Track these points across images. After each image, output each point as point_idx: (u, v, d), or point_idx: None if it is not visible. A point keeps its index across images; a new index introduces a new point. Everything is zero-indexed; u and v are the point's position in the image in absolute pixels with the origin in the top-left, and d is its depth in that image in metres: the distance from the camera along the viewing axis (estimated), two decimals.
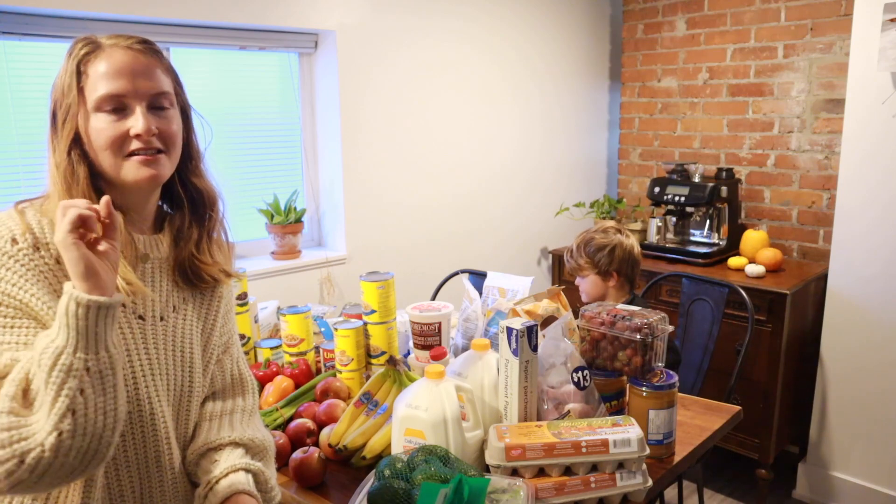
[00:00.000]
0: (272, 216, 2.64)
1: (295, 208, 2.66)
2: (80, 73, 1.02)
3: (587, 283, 2.16)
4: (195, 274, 1.15)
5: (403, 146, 2.89)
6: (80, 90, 1.02)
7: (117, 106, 1.02)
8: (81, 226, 0.90)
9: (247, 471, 1.14)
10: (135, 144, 1.03)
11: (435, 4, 2.89)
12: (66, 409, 0.85)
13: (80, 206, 0.90)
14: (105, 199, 0.93)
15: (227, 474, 1.12)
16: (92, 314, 0.89)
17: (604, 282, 2.13)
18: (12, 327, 0.95)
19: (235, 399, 1.24)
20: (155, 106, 1.05)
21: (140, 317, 1.09)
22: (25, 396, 0.88)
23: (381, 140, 2.81)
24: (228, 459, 1.13)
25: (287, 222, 2.63)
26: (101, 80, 1.01)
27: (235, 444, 1.17)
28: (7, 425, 0.84)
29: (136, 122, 1.02)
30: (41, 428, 0.85)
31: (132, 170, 1.03)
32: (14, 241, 0.98)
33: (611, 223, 2.21)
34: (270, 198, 2.65)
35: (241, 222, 2.68)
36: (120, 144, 1.03)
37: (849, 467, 2.69)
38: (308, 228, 2.83)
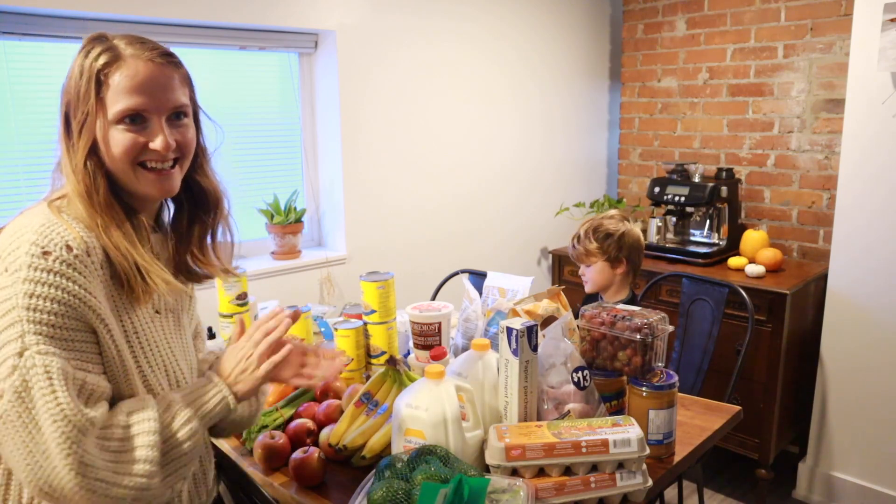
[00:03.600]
0: (272, 216, 2.64)
1: (295, 208, 2.66)
2: (99, 83, 1.02)
3: (594, 271, 2.11)
4: (194, 272, 1.20)
5: (403, 146, 2.89)
6: (100, 100, 1.02)
7: (138, 119, 1.04)
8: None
9: None
10: (152, 156, 1.06)
11: (435, 5, 2.89)
12: (180, 477, 1.06)
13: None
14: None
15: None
16: (226, 413, 1.10)
17: (612, 269, 2.10)
18: (76, 341, 0.98)
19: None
20: (173, 118, 1.08)
21: (157, 311, 1.14)
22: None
23: (381, 140, 2.81)
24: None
25: (287, 222, 2.63)
26: (123, 93, 1.02)
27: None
28: (147, 484, 1.00)
29: (156, 138, 1.05)
30: (162, 487, 1.03)
31: (147, 184, 1.07)
32: (69, 247, 0.98)
33: (615, 211, 2.18)
34: (270, 198, 2.65)
35: (241, 222, 2.66)
36: (136, 155, 1.05)
37: (849, 467, 2.69)
38: (308, 228, 2.83)
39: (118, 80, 1.02)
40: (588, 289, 2.16)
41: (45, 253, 0.96)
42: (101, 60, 1.02)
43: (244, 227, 2.69)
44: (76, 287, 0.97)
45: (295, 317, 1.18)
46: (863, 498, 2.65)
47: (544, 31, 3.36)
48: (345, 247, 2.77)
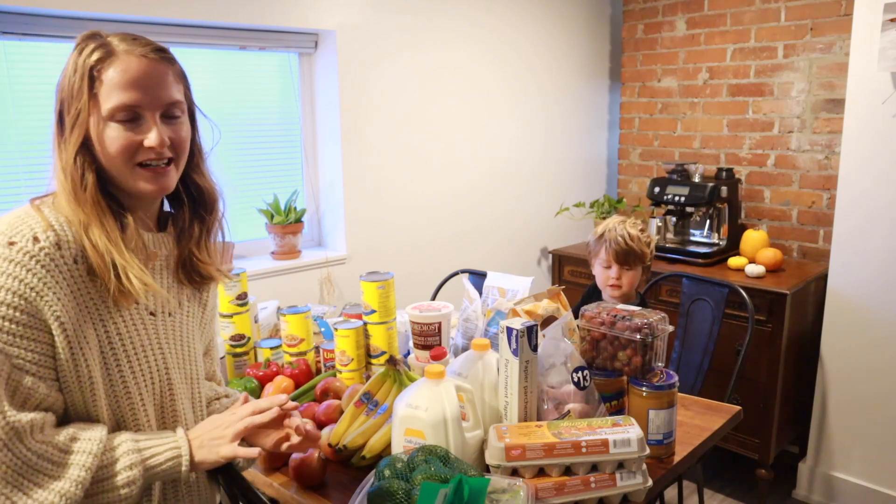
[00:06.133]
0: (272, 216, 2.64)
1: (295, 208, 2.66)
2: (92, 79, 1.01)
3: (633, 276, 2.08)
4: (195, 271, 1.18)
5: (403, 146, 2.89)
6: (93, 96, 1.01)
7: (131, 116, 1.02)
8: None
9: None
10: (146, 155, 1.04)
11: (435, 5, 2.89)
12: None
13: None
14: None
15: (232, 405, 1.27)
16: (174, 474, 1.06)
17: (643, 274, 2.12)
18: (23, 338, 0.95)
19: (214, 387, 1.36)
20: (167, 115, 1.06)
21: (151, 313, 1.12)
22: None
23: (381, 140, 2.81)
24: (230, 399, 1.33)
25: (287, 222, 2.63)
26: (117, 89, 1.01)
27: (227, 396, 1.35)
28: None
29: (151, 134, 1.03)
30: None
31: (142, 181, 1.06)
32: (36, 239, 0.96)
33: (631, 218, 2.17)
34: (270, 198, 2.65)
35: (241, 222, 2.68)
36: (132, 154, 1.03)
37: (849, 467, 2.69)
38: (308, 228, 2.83)
39: (111, 76, 1.00)
40: (620, 292, 2.09)
41: (10, 243, 0.95)
42: (94, 57, 1.00)
43: (244, 227, 2.69)
44: (35, 280, 0.95)
45: (282, 415, 1.17)
46: (863, 498, 2.65)
47: (544, 31, 3.36)
48: (345, 247, 2.77)
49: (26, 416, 0.94)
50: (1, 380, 0.93)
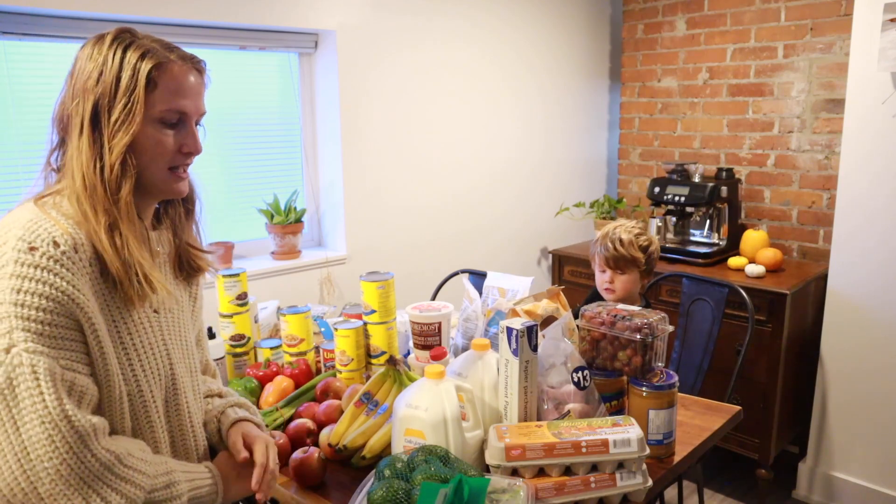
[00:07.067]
0: (272, 216, 2.64)
1: (295, 208, 2.66)
2: (149, 82, 1.03)
3: (627, 280, 2.07)
4: (189, 264, 1.22)
5: (403, 146, 2.89)
6: (148, 99, 1.03)
7: (177, 121, 1.07)
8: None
9: (239, 406, 1.33)
10: (180, 160, 1.09)
11: (435, 5, 2.89)
12: None
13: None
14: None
15: (224, 409, 1.30)
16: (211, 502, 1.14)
17: (641, 279, 2.11)
18: (64, 339, 0.97)
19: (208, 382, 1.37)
20: (197, 123, 1.13)
21: (155, 311, 1.13)
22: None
23: (381, 140, 2.81)
24: (223, 400, 1.33)
25: (287, 222, 2.63)
26: (173, 95, 1.05)
27: (220, 395, 1.35)
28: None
29: (192, 140, 1.09)
30: None
31: (173, 184, 1.11)
32: (56, 243, 0.97)
33: (633, 222, 2.17)
34: (270, 198, 2.65)
35: (241, 222, 2.68)
36: (173, 157, 1.08)
37: (849, 467, 2.69)
38: (308, 228, 2.83)
39: (168, 82, 1.04)
40: (615, 297, 2.09)
41: (31, 248, 0.95)
42: (150, 62, 1.03)
43: (244, 227, 2.69)
44: (63, 283, 0.95)
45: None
46: (863, 498, 2.65)
47: (544, 31, 3.36)
48: (345, 247, 2.77)
49: (89, 421, 0.96)
50: (56, 382, 0.94)
